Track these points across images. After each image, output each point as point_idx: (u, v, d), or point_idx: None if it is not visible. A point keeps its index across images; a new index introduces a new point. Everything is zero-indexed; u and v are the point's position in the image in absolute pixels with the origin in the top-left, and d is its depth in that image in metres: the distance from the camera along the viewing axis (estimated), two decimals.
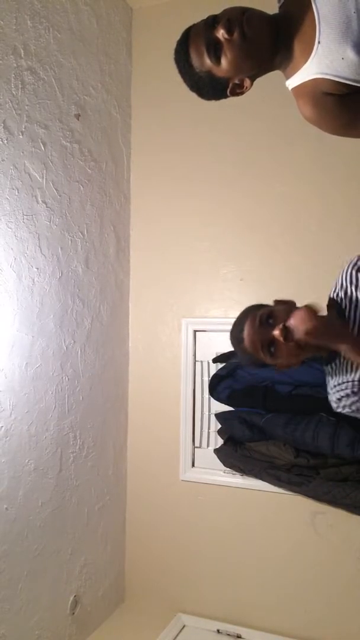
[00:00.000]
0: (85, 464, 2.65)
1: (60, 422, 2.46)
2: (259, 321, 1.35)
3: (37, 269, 2.32)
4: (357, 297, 1.41)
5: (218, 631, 2.68)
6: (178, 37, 1.19)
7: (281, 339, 1.30)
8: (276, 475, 2.50)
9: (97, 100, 2.76)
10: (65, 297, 2.51)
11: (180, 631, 2.69)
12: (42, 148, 2.34)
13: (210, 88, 1.19)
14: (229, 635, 2.65)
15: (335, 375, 1.41)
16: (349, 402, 1.38)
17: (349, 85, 1.08)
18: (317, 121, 1.16)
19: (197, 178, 2.93)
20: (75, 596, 2.57)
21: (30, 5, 2.25)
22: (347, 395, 1.37)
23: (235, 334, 1.41)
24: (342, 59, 1.05)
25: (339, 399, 1.40)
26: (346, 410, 1.40)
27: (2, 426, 2.12)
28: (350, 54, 1.04)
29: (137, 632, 2.73)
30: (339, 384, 1.39)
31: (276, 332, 1.31)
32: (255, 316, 1.37)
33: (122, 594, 3.01)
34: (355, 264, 1.50)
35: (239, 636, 2.64)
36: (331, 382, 1.44)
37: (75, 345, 2.57)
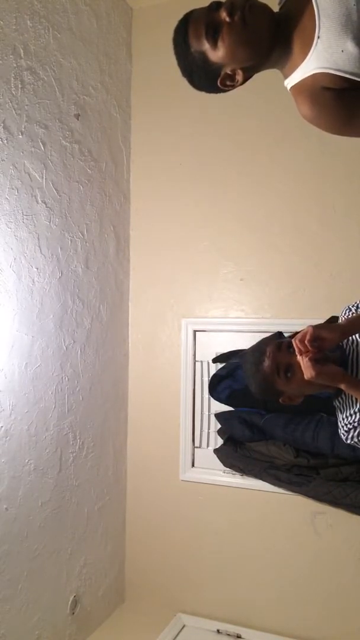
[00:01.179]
0: (85, 464, 2.65)
1: (60, 422, 2.46)
2: (281, 347, 1.52)
3: (37, 269, 2.32)
4: (353, 338, 1.58)
5: (218, 631, 2.68)
6: None
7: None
8: (276, 475, 2.51)
9: (97, 101, 2.76)
10: (65, 297, 2.51)
11: (180, 631, 2.69)
12: (42, 148, 2.34)
13: (203, 73, 1.18)
14: (229, 635, 2.65)
15: (344, 408, 1.53)
16: (356, 433, 1.48)
17: (348, 79, 1.07)
18: (316, 119, 1.15)
19: (197, 178, 2.93)
20: (75, 596, 2.57)
21: (30, 5, 2.25)
22: (355, 428, 1.48)
23: (256, 357, 1.55)
24: (342, 51, 1.05)
25: (347, 431, 1.50)
26: (354, 441, 1.50)
27: (2, 426, 2.12)
28: (349, 46, 1.04)
29: (137, 632, 2.73)
30: (347, 417, 1.51)
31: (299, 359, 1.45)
32: (278, 342, 1.55)
33: (122, 594, 3.01)
34: (349, 308, 1.67)
35: (239, 636, 2.64)
36: (340, 416, 1.55)
37: (75, 345, 2.57)
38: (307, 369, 1.41)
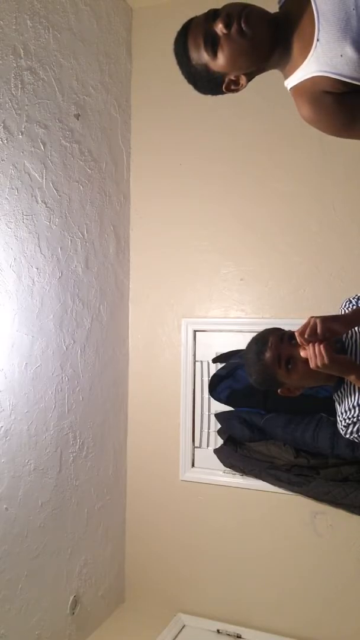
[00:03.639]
0: (85, 464, 2.65)
1: (60, 422, 2.46)
2: (284, 338, 1.52)
3: (37, 269, 2.32)
4: (352, 331, 1.58)
5: (218, 631, 2.68)
6: None
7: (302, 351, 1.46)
8: (276, 475, 2.51)
9: (97, 100, 2.76)
10: (65, 297, 2.51)
11: (180, 631, 2.69)
12: (42, 148, 2.34)
13: (206, 82, 1.19)
14: (229, 635, 2.65)
15: (342, 401, 1.52)
16: (355, 428, 1.48)
17: (347, 83, 1.07)
18: (315, 121, 1.16)
19: (197, 178, 2.93)
20: (75, 596, 2.57)
21: (30, 5, 2.25)
22: (354, 423, 1.48)
23: (258, 347, 1.54)
24: (341, 56, 1.05)
25: (347, 426, 1.50)
26: (354, 436, 1.50)
27: (2, 426, 2.12)
28: (348, 50, 1.04)
29: (137, 632, 2.73)
30: (346, 411, 1.50)
31: (303, 353, 1.46)
32: (281, 333, 1.54)
33: (122, 594, 3.01)
34: (350, 301, 1.67)
35: (239, 636, 2.64)
36: (339, 409, 1.54)
37: (75, 345, 2.57)
38: (319, 356, 1.39)
